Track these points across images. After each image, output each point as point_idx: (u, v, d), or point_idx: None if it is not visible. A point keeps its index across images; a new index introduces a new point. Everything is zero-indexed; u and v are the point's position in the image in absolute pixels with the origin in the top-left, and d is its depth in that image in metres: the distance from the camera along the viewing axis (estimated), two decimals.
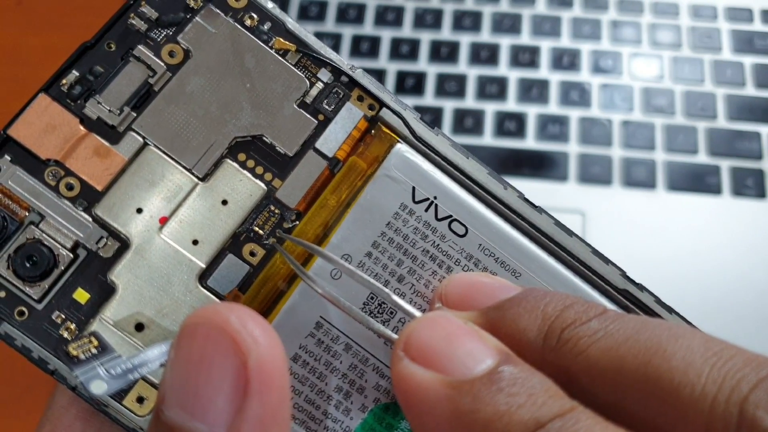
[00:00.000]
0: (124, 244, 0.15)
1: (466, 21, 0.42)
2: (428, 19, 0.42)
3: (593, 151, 0.37)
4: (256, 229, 0.15)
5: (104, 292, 0.14)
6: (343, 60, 0.16)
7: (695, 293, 0.34)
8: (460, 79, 0.40)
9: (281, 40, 0.16)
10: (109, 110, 0.15)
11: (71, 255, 0.14)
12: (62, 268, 0.14)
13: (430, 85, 0.40)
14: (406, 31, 0.41)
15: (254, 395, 0.11)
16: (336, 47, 0.41)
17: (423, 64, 0.40)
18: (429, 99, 0.39)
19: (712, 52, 0.40)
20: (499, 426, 0.12)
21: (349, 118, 0.16)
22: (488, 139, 0.38)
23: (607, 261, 0.16)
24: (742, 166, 0.37)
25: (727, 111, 0.38)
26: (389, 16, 0.42)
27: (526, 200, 0.16)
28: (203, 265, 0.15)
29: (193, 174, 0.15)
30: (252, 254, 0.15)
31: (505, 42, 0.41)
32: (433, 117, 0.39)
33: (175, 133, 0.15)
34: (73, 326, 0.14)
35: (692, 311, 0.33)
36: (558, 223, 0.16)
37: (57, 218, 0.14)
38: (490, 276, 0.16)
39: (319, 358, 0.15)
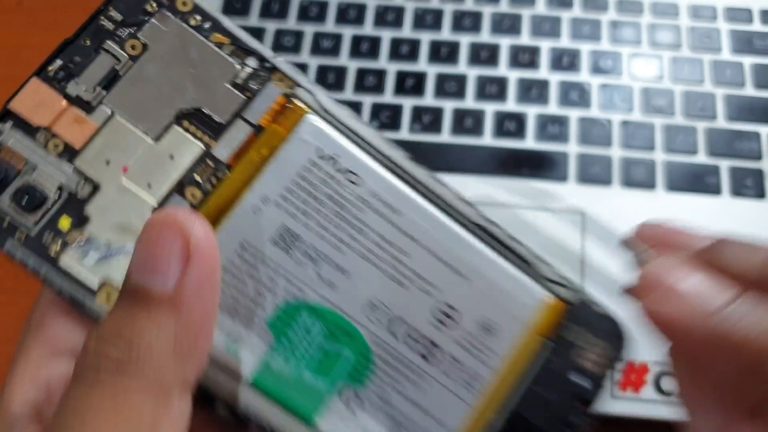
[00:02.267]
0: (95, 187, 0.20)
1: (466, 21, 0.42)
2: (428, 19, 0.42)
3: (593, 152, 0.38)
4: (196, 177, 0.20)
5: (81, 221, 0.20)
6: (268, 50, 0.21)
7: None
8: (460, 80, 0.40)
9: (218, 35, 0.21)
10: (85, 90, 0.21)
11: (57, 195, 0.20)
12: (50, 204, 0.20)
13: (430, 85, 0.40)
14: (406, 31, 0.42)
15: (194, 262, 0.16)
16: (336, 48, 0.41)
17: (423, 64, 0.40)
18: (429, 99, 0.39)
19: (711, 52, 0.40)
20: (756, 344, 0.14)
21: (270, 95, 0.21)
22: (488, 139, 0.38)
23: (462, 200, 0.20)
24: (741, 166, 0.37)
25: (727, 111, 0.38)
26: (389, 17, 0.42)
27: (410, 159, 0.20)
28: (155, 204, 0.20)
29: (148, 136, 0.21)
30: (193, 196, 0.20)
31: (505, 42, 0.41)
32: (432, 117, 0.39)
33: (135, 105, 0.21)
34: (58, 243, 0.20)
35: None
36: (430, 174, 0.20)
37: (46, 168, 0.20)
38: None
39: (242, 270, 0.20)
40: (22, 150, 0.20)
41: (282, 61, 0.21)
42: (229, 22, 0.21)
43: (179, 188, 0.20)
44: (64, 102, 0.21)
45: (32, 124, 0.20)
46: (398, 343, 0.19)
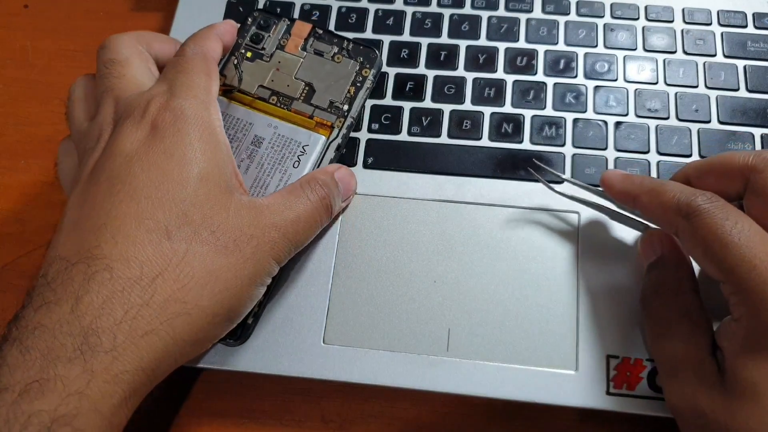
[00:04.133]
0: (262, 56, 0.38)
1: (465, 26, 0.42)
2: (427, 23, 0.42)
3: (588, 153, 0.38)
4: (281, 97, 0.37)
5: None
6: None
7: None
8: (459, 83, 0.40)
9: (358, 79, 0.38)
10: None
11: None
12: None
13: (429, 88, 0.40)
14: (406, 35, 0.42)
15: None
16: None
17: (422, 68, 0.41)
18: (428, 102, 0.40)
19: (705, 55, 0.41)
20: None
21: (329, 116, 0.36)
22: (486, 141, 0.39)
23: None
24: None
25: (721, 113, 0.39)
26: (389, 22, 0.42)
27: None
28: (265, 83, 0.37)
29: (289, 75, 0.37)
30: (272, 98, 0.37)
31: (502, 46, 0.41)
32: (431, 120, 0.39)
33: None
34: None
35: None
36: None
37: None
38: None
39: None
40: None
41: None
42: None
43: (273, 91, 0.36)
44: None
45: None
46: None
